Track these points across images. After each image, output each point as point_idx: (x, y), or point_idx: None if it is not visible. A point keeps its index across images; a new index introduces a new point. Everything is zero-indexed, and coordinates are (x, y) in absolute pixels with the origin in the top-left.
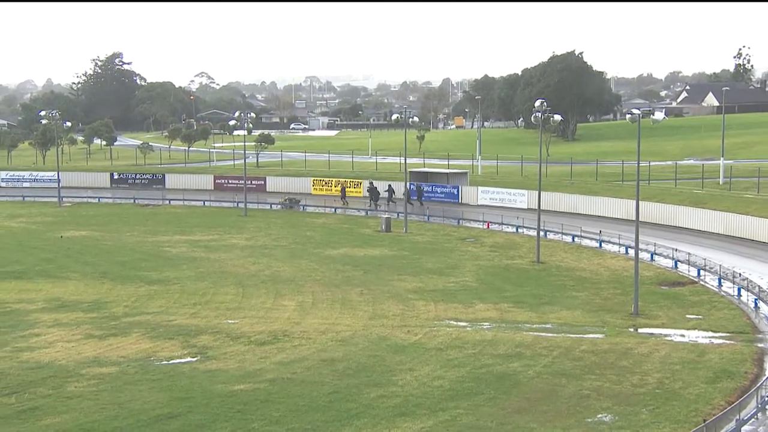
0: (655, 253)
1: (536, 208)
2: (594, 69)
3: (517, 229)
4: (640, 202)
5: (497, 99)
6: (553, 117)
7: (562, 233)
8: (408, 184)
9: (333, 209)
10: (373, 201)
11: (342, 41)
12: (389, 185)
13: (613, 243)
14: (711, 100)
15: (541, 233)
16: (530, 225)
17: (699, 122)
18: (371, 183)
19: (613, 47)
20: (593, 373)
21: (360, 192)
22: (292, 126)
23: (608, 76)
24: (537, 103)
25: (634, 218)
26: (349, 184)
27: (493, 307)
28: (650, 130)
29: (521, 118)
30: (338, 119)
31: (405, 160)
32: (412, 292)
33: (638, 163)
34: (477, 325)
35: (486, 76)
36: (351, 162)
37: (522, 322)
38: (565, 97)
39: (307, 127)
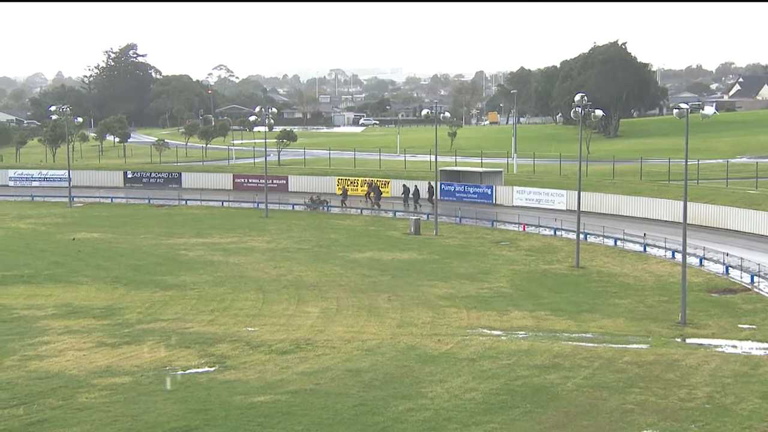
0: (705, 258)
1: (576, 209)
2: (638, 60)
3: (555, 232)
4: (688, 203)
5: (534, 93)
6: (594, 112)
7: (604, 236)
8: (412, 183)
9: (359, 210)
10: (412, 201)
11: (369, 32)
12: (403, 185)
13: (659, 247)
14: (766, 93)
15: (581, 236)
16: (569, 227)
17: (753, 117)
18: (405, 185)
19: (660, 37)
20: (637, 386)
21: (389, 191)
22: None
23: (654, 68)
24: (577, 98)
25: (681, 220)
26: (377, 183)
27: (530, 314)
28: (699, 126)
29: (560, 114)
30: (365, 114)
31: (435, 158)
32: (442, 298)
33: (686, 161)
34: (512, 334)
35: (522, 68)
36: (378, 160)
37: (560, 331)
38: (607, 91)
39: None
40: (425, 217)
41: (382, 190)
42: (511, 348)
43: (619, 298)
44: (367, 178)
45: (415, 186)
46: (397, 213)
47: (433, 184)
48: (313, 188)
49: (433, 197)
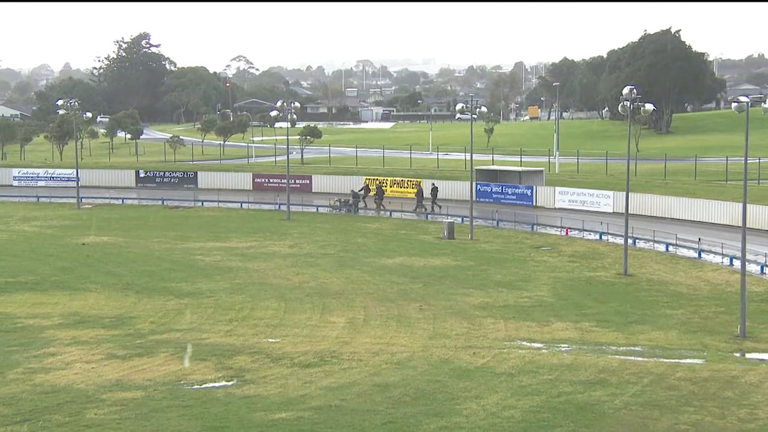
0: (766, 265)
1: (623, 212)
2: (693, 50)
3: (600, 237)
4: (747, 205)
5: (578, 86)
6: (644, 106)
7: (654, 241)
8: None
9: (388, 212)
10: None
11: (399, 20)
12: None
13: (715, 253)
14: None
15: (630, 241)
16: (616, 231)
17: None
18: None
19: (717, 24)
20: (691, 404)
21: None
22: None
23: (710, 58)
24: (625, 90)
25: (740, 224)
26: (406, 184)
27: (573, 326)
28: (761, 121)
29: (606, 108)
30: (394, 109)
31: (471, 156)
32: (478, 308)
33: (745, 160)
34: (554, 347)
35: (565, 59)
36: (409, 158)
37: (606, 344)
38: (658, 83)
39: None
40: (459, 219)
41: (384, 190)
42: (552, 362)
43: (671, 308)
44: (367, 178)
45: (433, 185)
46: (428, 216)
47: (437, 184)
48: (339, 189)
49: (437, 199)
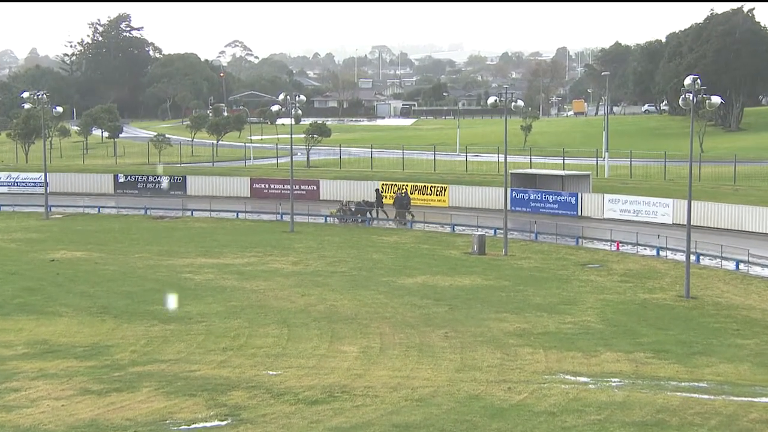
0: None
1: (685, 223)
2: None
3: (658, 252)
4: None
5: (632, 75)
6: (709, 99)
7: (722, 258)
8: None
9: (408, 224)
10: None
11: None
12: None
13: None
14: None
15: (693, 257)
16: (676, 246)
17: None
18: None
19: None
20: None
21: (445, 200)
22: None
23: None
24: (687, 81)
25: None
26: (429, 190)
27: (625, 357)
28: None
29: (665, 101)
30: (415, 104)
31: (505, 158)
32: (514, 335)
33: None
34: (603, 382)
35: (617, 44)
36: (432, 161)
37: (665, 379)
38: (727, 72)
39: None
40: (491, 232)
41: (383, 196)
42: (601, 399)
43: (742, 337)
44: (383, 184)
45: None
46: (455, 227)
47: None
48: (351, 195)
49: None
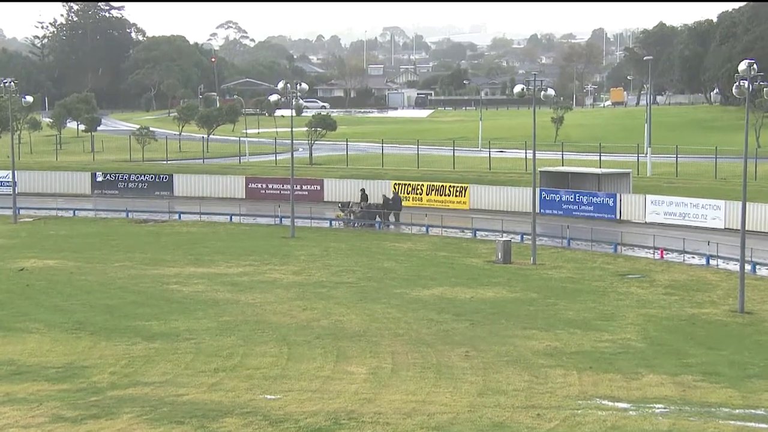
0: None
1: (739, 228)
2: None
3: (707, 261)
4: None
5: (678, 60)
6: (767, 86)
7: None
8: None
9: (424, 228)
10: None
11: None
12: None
13: None
14: None
15: (747, 267)
16: (729, 254)
17: None
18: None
19: None
20: None
21: (466, 201)
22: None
23: None
24: (742, 66)
25: None
26: (448, 191)
27: (671, 380)
28: None
29: (716, 90)
30: (432, 93)
31: (534, 154)
32: (543, 354)
33: None
34: (645, 408)
35: (661, 24)
36: (451, 157)
37: (716, 405)
38: None
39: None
40: (518, 238)
41: (367, 195)
42: (643, 428)
43: None
44: (396, 183)
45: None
46: (477, 233)
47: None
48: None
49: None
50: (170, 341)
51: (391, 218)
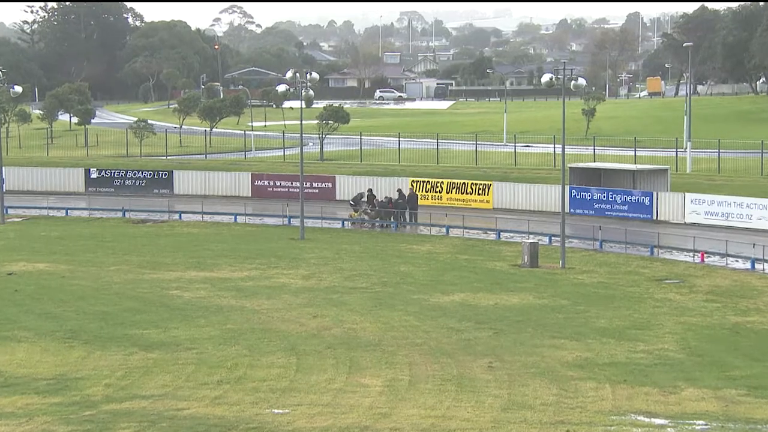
0: None
1: None
2: None
3: (752, 265)
4: None
5: (721, 46)
6: None
7: None
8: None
9: (444, 229)
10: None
11: None
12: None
13: None
14: None
15: None
16: None
17: None
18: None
19: None
20: None
21: (489, 200)
22: (378, 95)
23: None
24: None
25: None
26: (469, 188)
27: (712, 394)
28: None
29: (762, 78)
30: (453, 82)
31: (563, 149)
32: (573, 366)
33: None
34: (684, 425)
35: (703, 8)
36: (474, 153)
37: (762, 422)
38: None
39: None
40: (546, 239)
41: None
42: None
43: None
44: (413, 181)
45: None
46: (502, 234)
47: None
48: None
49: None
50: (170, 351)
51: (407, 217)
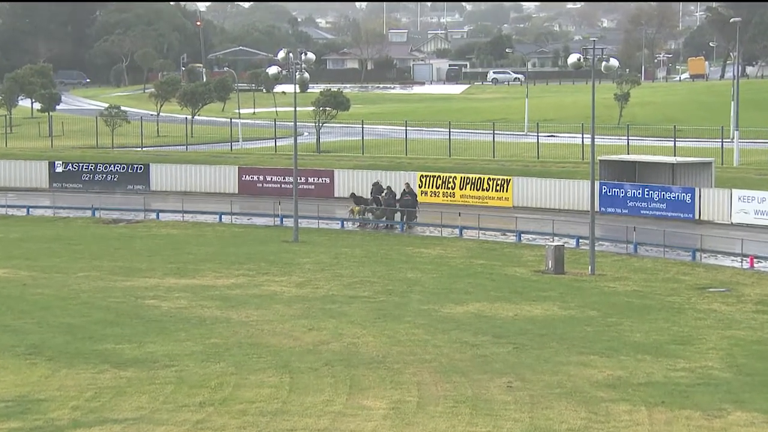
0: None
1: None
2: None
3: None
4: None
5: None
6: None
7: None
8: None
9: (456, 230)
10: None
11: None
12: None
13: None
14: None
15: None
16: None
17: None
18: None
19: None
20: None
21: (509, 197)
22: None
23: None
24: None
25: None
26: (486, 184)
27: (763, 418)
28: None
29: None
30: (467, 64)
31: (593, 139)
32: (604, 386)
33: None
34: None
35: None
36: (491, 143)
37: None
38: None
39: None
40: (573, 242)
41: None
42: None
43: None
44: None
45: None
46: (522, 236)
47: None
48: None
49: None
50: (146, 369)
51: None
